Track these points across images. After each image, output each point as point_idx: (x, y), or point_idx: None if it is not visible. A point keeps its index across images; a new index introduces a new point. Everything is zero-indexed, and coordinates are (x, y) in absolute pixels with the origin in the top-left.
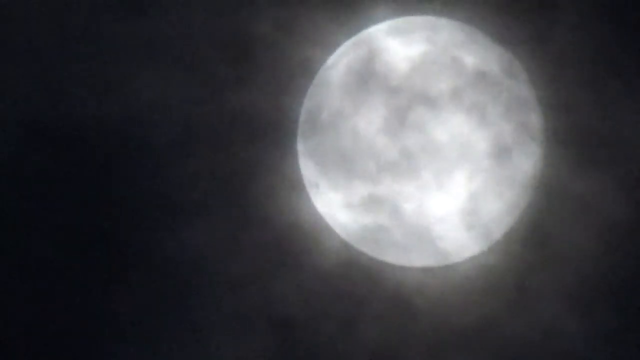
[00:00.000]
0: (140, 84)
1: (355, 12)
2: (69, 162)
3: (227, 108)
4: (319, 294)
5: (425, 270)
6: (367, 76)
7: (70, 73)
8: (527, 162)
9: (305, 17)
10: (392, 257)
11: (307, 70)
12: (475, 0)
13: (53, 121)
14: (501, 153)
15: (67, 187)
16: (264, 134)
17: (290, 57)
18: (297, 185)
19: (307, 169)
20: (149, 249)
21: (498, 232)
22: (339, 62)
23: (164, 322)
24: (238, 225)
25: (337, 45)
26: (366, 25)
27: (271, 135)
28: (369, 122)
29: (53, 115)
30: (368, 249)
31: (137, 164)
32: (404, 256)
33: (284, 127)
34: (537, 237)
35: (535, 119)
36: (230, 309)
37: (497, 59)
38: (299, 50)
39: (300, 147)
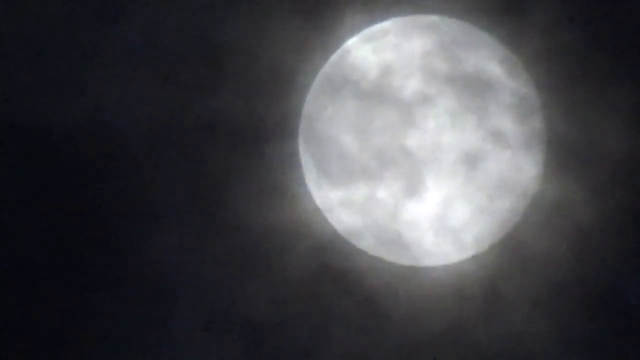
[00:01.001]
0: (112, 89)
1: (330, 17)
2: (37, 166)
3: (198, 113)
4: (290, 298)
5: (398, 274)
6: (339, 82)
7: (40, 77)
8: (499, 167)
9: (278, 23)
10: (367, 260)
11: (279, 76)
12: None
13: (23, 125)
14: (473, 159)
15: (35, 191)
16: (234, 140)
17: (262, 63)
18: (268, 191)
19: (282, 174)
20: (120, 253)
21: (470, 237)
22: (313, 67)
23: (134, 328)
24: (208, 231)
25: (310, 50)
26: (339, 30)
27: (242, 140)
28: (342, 127)
29: (23, 119)
30: (342, 255)
31: (109, 169)
32: (377, 259)
33: (255, 132)
34: (509, 243)
35: (507, 125)
36: (202, 313)
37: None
38: (271, 56)
39: (270, 151)
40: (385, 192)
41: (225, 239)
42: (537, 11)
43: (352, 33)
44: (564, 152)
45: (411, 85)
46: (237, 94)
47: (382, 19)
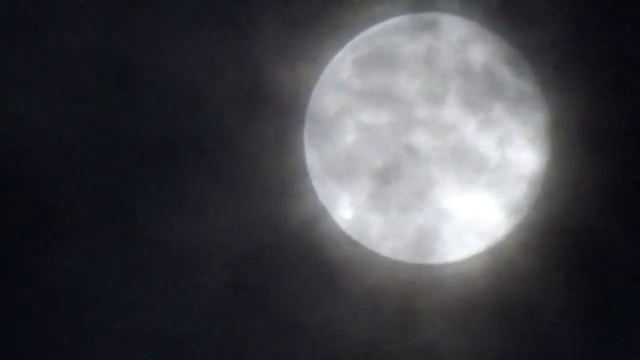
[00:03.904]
0: (23, 108)
1: (244, 32)
2: None
3: (111, 130)
4: (205, 314)
5: (313, 289)
6: (255, 98)
7: None
8: (412, 183)
9: (192, 39)
10: (282, 275)
11: (192, 93)
12: None
13: None
14: (387, 172)
15: None
16: (147, 156)
17: (175, 80)
18: (182, 206)
19: (196, 190)
20: (33, 271)
21: (385, 252)
22: (227, 83)
23: (49, 347)
24: (121, 247)
25: (224, 66)
26: (254, 46)
27: (155, 156)
28: (258, 143)
29: None
30: (257, 270)
31: (21, 186)
32: (292, 275)
33: (169, 149)
34: (421, 258)
35: (419, 140)
36: (118, 331)
37: None
38: (184, 73)
39: (184, 168)
40: (301, 206)
41: (139, 255)
42: (447, 28)
43: (267, 48)
44: (476, 169)
45: (329, 100)
46: (150, 110)
47: (301, 33)
